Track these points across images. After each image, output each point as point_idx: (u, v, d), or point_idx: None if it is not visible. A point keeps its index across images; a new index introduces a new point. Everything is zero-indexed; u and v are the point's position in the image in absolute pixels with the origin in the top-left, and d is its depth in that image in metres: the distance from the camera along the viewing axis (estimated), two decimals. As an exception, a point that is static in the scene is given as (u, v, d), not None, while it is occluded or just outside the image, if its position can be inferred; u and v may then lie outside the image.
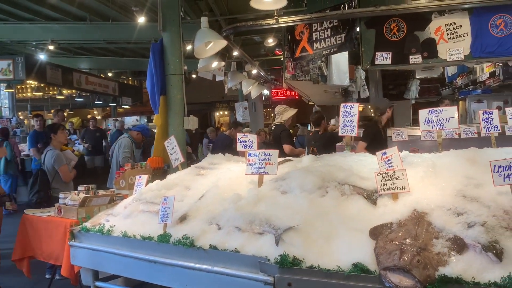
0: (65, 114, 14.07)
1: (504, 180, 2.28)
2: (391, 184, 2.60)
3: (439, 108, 3.35)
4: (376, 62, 6.02)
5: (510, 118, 3.90)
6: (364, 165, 3.14)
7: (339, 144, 6.49)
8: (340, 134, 3.68)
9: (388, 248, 2.06)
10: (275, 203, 2.79)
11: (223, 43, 5.86)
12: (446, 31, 5.77)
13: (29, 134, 9.84)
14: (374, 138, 5.73)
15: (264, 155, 3.20)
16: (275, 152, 3.21)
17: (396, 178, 2.60)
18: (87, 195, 4.20)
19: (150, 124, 14.66)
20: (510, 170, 2.26)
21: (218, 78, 9.87)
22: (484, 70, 9.09)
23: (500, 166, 2.30)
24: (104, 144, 12.28)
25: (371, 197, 2.66)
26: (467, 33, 5.70)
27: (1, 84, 14.51)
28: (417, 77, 9.55)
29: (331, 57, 7.07)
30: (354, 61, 7.96)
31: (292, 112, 7.75)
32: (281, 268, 2.25)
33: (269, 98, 20.58)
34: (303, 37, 6.84)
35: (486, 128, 3.85)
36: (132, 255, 3.09)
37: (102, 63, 16.18)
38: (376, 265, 2.05)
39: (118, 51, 14.91)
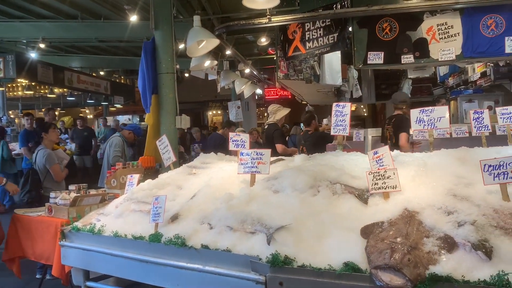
0: (56, 113, 13.98)
1: (494, 179, 2.31)
2: (382, 183, 2.61)
3: (430, 107, 3.37)
4: (369, 62, 6.05)
5: (501, 118, 3.93)
6: (356, 164, 3.15)
7: (330, 144, 6.51)
8: (332, 133, 3.69)
9: (379, 247, 2.07)
10: (267, 203, 2.79)
11: (215, 42, 5.85)
12: (438, 31, 5.81)
13: (20, 133, 9.74)
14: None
15: (256, 154, 3.20)
16: (267, 152, 3.21)
17: (387, 177, 2.61)
18: (78, 194, 4.17)
19: (143, 123, 14.60)
20: (500, 170, 2.29)
21: (210, 77, 9.84)
22: (476, 70, 9.16)
23: (490, 166, 2.32)
24: (93, 143, 12.21)
25: (363, 196, 2.67)
26: (458, 33, 5.75)
27: (-8, 82, 14.34)
28: (409, 76, 9.59)
29: (323, 56, 7.09)
30: (347, 60, 7.98)
31: (285, 111, 7.75)
32: (273, 267, 2.25)
33: (262, 98, 20.57)
34: (295, 36, 6.85)
35: (477, 128, 3.89)
36: (123, 254, 3.07)
37: (94, 61, 16.06)
38: (367, 264, 2.06)
39: (110, 50, 14.81)
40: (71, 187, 4.55)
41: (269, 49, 13.16)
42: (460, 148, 3.30)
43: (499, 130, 5.29)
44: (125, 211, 3.44)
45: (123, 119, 22.72)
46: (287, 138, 11.61)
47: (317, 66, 7.81)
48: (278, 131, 7.48)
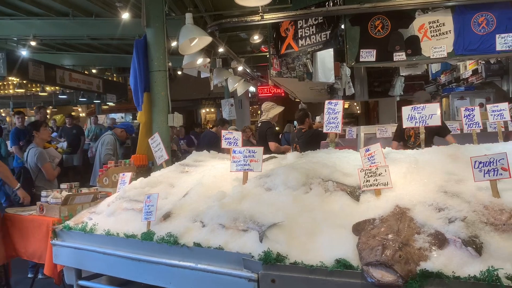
0: (48, 111, 13.86)
1: (484, 176, 2.32)
2: (374, 181, 2.62)
3: (422, 105, 3.38)
4: (361, 59, 6.07)
5: (491, 115, 3.96)
6: (348, 162, 3.16)
7: (324, 142, 6.52)
8: (324, 131, 3.69)
9: (370, 244, 2.08)
10: (259, 200, 2.79)
11: (207, 39, 5.83)
12: (430, 28, 5.84)
13: (11, 132, 9.65)
14: None
15: (249, 152, 3.20)
16: (260, 149, 3.20)
17: (379, 175, 2.62)
18: (69, 193, 4.15)
19: (135, 121, 14.53)
20: (490, 166, 2.30)
21: (203, 75, 9.82)
22: (467, 67, 9.23)
23: (480, 162, 2.33)
24: (82, 141, 12.15)
25: (354, 193, 2.68)
26: (450, 30, 5.78)
27: (-18, 80, 14.22)
28: (401, 74, 9.64)
29: (316, 54, 7.10)
30: (340, 58, 8.00)
31: (279, 109, 7.76)
32: (265, 265, 2.25)
33: (255, 95, 20.54)
34: (288, 34, 6.85)
35: (468, 125, 3.91)
36: (116, 253, 3.06)
37: (85, 59, 15.94)
38: (359, 261, 2.07)
39: (102, 48, 14.71)
40: (63, 185, 4.52)
41: (262, 46, 13.13)
42: (451, 145, 3.33)
43: (490, 127, 5.34)
44: (117, 209, 3.43)
45: (115, 117, 22.57)
46: (280, 136, 11.63)
47: (310, 63, 7.82)
48: (271, 129, 7.48)
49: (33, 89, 17.80)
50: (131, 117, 22.47)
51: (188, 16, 5.74)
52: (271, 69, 8.09)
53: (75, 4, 10.17)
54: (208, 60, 7.70)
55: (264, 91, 20.57)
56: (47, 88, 17.44)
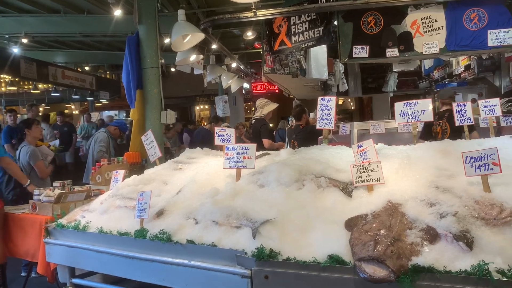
0: (40, 109, 13.76)
1: (475, 171, 2.34)
2: (366, 176, 2.63)
3: (414, 100, 3.40)
4: (354, 56, 6.08)
5: (483, 110, 3.98)
6: (341, 158, 3.16)
7: (321, 138, 6.53)
8: (317, 127, 3.70)
9: (362, 239, 2.09)
10: (252, 197, 2.79)
11: (200, 36, 5.82)
12: (422, 24, 5.85)
13: (3, 130, 9.57)
14: None
15: (242, 149, 3.19)
16: (253, 146, 3.20)
17: (371, 170, 2.63)
18: (62, 191, 4.13)
19: (129, 118, 14.46)
20: (481, 161, 2.32)
21: (196, 72, 9.79)
22: (460, 63, 9.26)
23: (471, 157, 2.35)
24: (73, 138, 12.09)
25: (347, 189, 2.69)
26: (442, 26, 5.80)
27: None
28: (394, 70, 9.67)
29: (309, 50, 7.09)
30: (333, 54, 8.01)
31: (273, 106, 7.76)
32: (258, 261, 2.25)
33: (249, 92, 20.53)
34: (281, 30, 6.84)
35: (460, 120, 3.93)
36: (109, 251, 3.05)
37: (78, 56, 15.85)
38: (351, 256, 2.08)
39: (94, 45, 14.62)
40: (56, 183, 4.50)
41: (256, 43, 13.12)
42: (443, 140, 3.35)
43: (482, 122, 5.38)
44: (110, 207, 3.41)
45: (107, 114, 22.45)
46: (274, 133, 11.63)
47: (303, 60, 7.81)
48: (265, 126, 7.48)
49: (25, 87, 17.68)
50: (124, 115, 22.37)
51: (181, 13, 5.72)
52: (265, 65, 8.08)
53: (67, 1, 10.11)
54: (202, 56, 7.68)
55: (258, 87, 20.57)
56: (40, 86, 17.32)
